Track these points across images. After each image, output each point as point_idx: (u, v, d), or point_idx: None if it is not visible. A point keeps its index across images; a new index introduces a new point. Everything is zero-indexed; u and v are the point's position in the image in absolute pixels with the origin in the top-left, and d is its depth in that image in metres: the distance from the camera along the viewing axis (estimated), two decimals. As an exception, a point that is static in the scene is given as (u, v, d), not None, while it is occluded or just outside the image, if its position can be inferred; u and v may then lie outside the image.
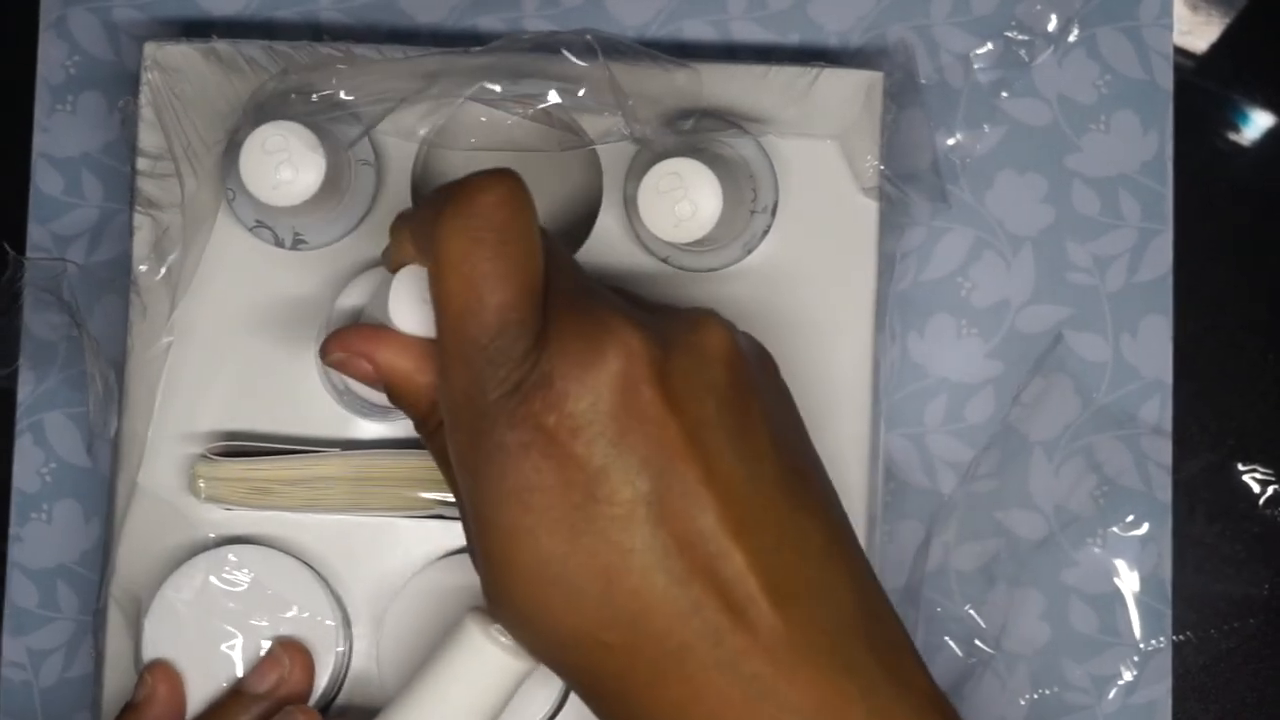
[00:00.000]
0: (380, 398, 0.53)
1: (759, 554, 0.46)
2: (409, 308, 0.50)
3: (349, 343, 0.52)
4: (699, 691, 0.45)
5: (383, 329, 0.51)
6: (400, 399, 0.51)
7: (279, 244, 0.64)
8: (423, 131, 0.64)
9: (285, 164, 0.59)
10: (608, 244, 0.65)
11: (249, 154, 0.60)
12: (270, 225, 0.64)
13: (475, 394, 0.47)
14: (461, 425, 0.47)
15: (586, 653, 0.46)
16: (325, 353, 0.52)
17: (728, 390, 0.47)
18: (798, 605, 0.46)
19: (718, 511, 0.46)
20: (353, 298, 0.62)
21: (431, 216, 0.48)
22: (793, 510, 0.47)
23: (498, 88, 0.62)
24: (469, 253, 0.47)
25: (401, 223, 0.52)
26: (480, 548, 0.47)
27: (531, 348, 0.46)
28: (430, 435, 0.51)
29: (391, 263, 0.52)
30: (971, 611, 0.69)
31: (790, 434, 0.50)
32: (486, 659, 0.51)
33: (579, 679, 0.48)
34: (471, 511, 0.47)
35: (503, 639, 0.50)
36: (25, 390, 0.70)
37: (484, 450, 0.46)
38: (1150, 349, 0.69)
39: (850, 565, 0.48)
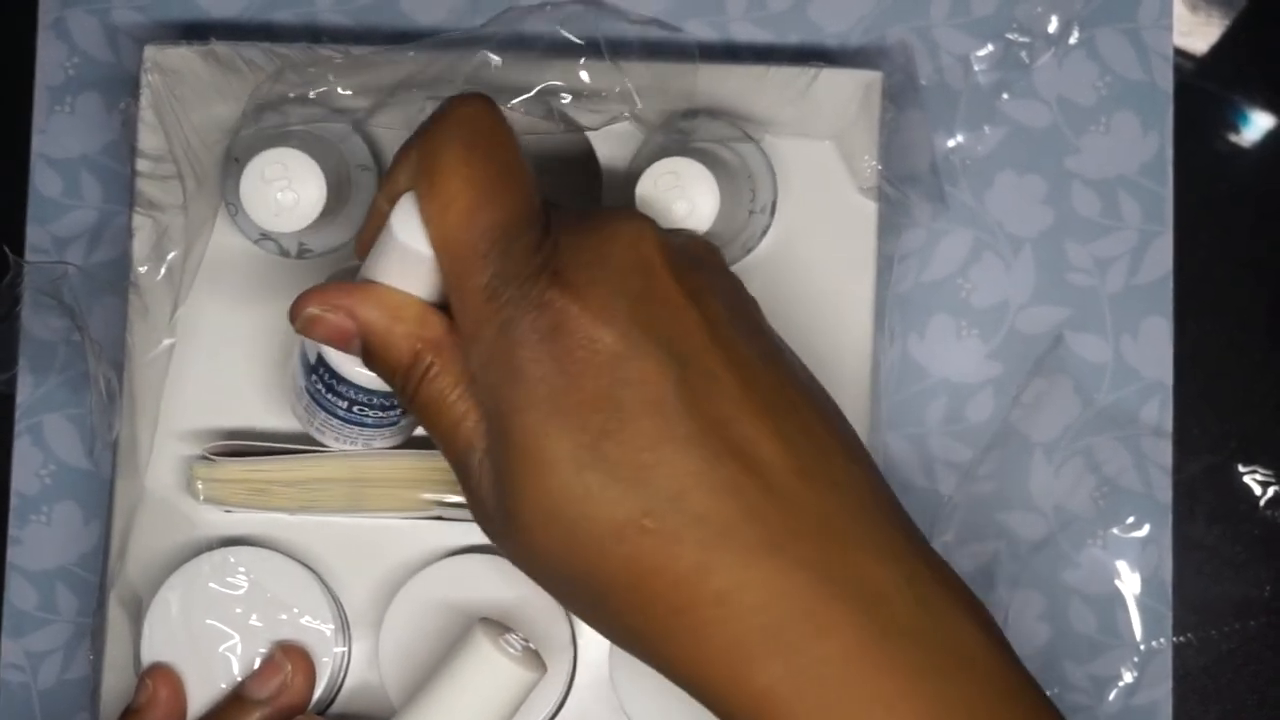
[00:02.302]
0: (360, 377, 0.53)
1: (787, 440, 0.45)
2: (415, 223, 0.48)
3: (327, 296, 0.50)
4: (747, 575, 0.44)
5: (362, 283, 0.50)
6: (379, 354, 0.50)
7: (284, 254, 0.64)
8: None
9: (285, 190, 0.60)
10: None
11: (249, 183, 0.60)
12: (274, 238, 0.64)
13: (496, 290, 0.46)
14: (482, 333, 0.46)
15: (627, 543, 0.45)
16: (298, 309, 0.50)
17: (731, 289, 0.49)
18: (831, 491, 0.45)
19: (742, 395, 0.45)
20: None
21: (418, 143, 0.48)
22: (806, 401, 0.47)
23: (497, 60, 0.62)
24: (465, 155, 0.47)
25: (393, 168, 0.50)
26: (504, 459, 0.46)
27: (543, 238, 0.46)
28: (414, 393, 0.49)
29: (384, 199, 0.50)
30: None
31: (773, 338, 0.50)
32: (496, 669, 0.50)
33: (616, 585, 0.46)
34: (493, 424, 0.46)
35: (511, 650, 0.50)
36: (24, 392, 0.70)
37: (509, 349, 0.46)
38: (1150, 350, 0.69)
39: (863, 457, 0.48)
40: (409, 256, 0.48)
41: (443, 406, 0.48)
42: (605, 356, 0.45)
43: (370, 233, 0.51)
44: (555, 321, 0.45)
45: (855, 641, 0.44)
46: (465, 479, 0.48)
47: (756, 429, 0.45)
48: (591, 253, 0.46)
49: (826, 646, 0.44)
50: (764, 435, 0.45)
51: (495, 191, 0.47)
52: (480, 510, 0.48)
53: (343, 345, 0.50)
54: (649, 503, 0.44)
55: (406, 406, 0.50)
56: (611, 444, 0.45)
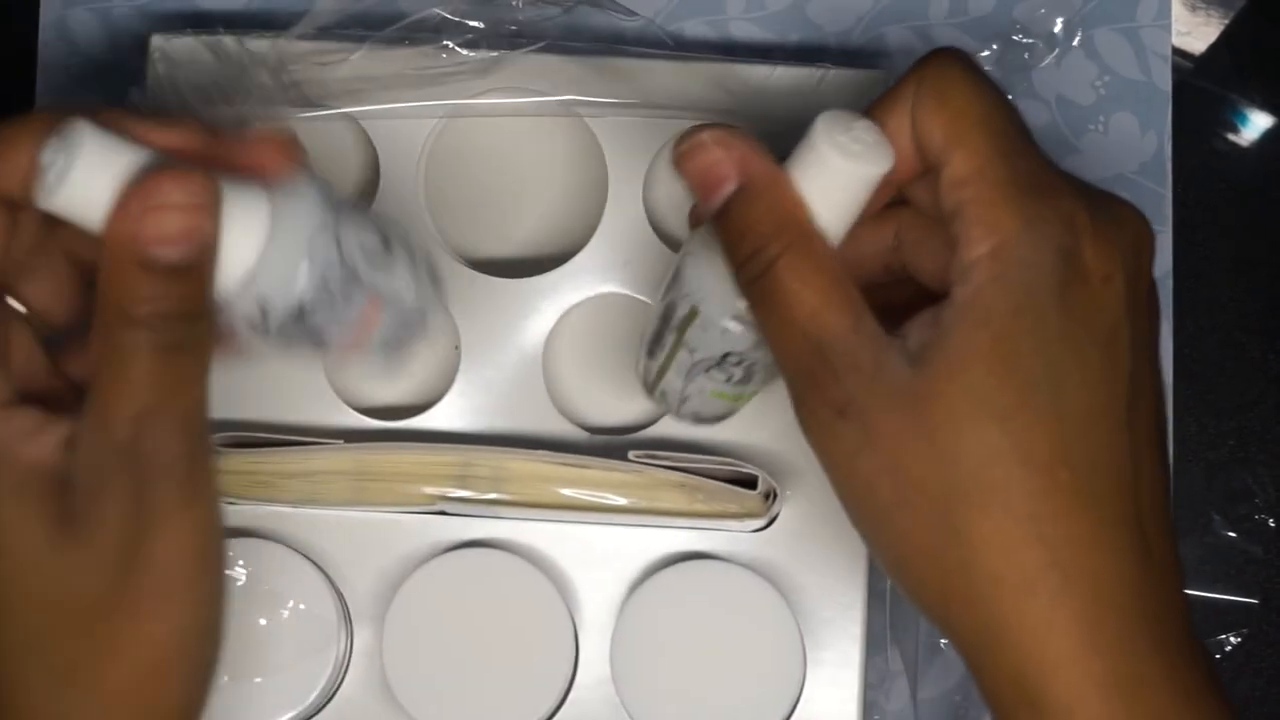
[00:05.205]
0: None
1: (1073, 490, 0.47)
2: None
3: (726, 139, 0.48)
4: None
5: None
6: (745, 216, 0.48)
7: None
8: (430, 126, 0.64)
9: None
10: (618, 235, 0.65)
11: None
12: None
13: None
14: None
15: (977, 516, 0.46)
16: (691, 133, 0.48)
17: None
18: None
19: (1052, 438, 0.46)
20: None
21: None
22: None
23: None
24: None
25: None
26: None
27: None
28: (741, 266, 0.48)
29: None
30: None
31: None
32: (835, 170, 0.48)
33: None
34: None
35: (854, 147, 0.48)
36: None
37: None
38: (1150, 350, 0.69)
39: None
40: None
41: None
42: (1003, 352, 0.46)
43: None
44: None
45: None
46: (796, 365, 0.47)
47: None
48: (1029, 261, 0.47)
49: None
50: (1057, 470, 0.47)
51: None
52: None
53: (712, 188, 0.48)
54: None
55: (738, 274, 0.49)
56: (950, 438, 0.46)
